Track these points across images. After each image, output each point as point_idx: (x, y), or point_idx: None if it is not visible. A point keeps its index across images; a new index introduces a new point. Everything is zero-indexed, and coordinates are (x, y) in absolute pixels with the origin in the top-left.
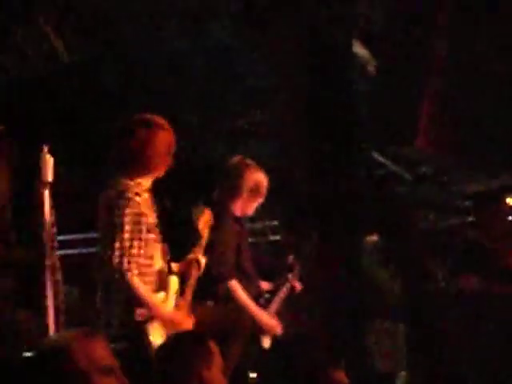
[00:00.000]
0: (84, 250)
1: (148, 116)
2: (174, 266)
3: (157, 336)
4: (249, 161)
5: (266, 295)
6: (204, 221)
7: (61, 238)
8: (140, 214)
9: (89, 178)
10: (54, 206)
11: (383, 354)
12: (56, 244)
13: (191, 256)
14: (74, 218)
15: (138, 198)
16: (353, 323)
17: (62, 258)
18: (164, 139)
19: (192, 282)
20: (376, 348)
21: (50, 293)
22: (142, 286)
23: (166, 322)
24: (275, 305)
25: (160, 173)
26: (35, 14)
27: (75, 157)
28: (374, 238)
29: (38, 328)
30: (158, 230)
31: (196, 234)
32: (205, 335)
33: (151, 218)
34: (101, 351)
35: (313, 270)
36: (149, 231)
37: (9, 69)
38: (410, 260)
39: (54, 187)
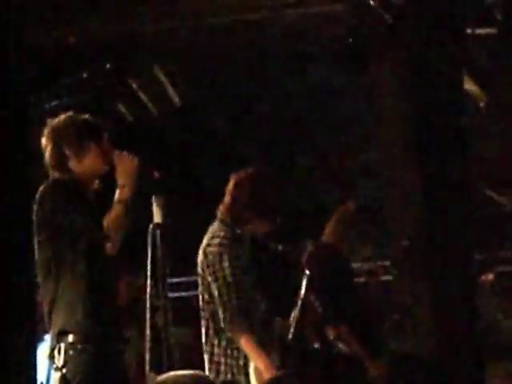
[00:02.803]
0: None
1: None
2: None
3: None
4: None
5: None
6: None
7: (176, 280)
8: (237, 257)
9: (197, 220)
10: (167, 247)
11: None
12: (167, 285)
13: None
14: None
15: (233, 242)
16: (472, 365)
17: (177, 299)
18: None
19: None
20: None
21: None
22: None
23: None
24: None
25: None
26: (150, 62)
27: (185, 201)
28: (490, 277)
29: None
30: (254, 272)
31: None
32: None
33: (246, 261)
34: None
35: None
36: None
37: (124, 115)
38: None
39: (166, 228)
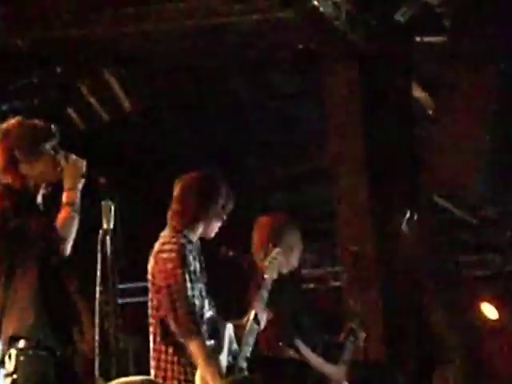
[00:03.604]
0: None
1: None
2: None
3: None
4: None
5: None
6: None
7: (124, 286)
8: (188, 263)
9: (148, 226)
10: (116, 253)
11: None
12: (117, 291)
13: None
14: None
15: (184, 249)
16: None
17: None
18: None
19: None
20: None
21: (97, 338)
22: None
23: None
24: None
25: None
26: (100, 66)
27: (136, 205)
28: None
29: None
30: (203, 278)
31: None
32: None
33: (196, 267)
34: None
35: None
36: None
37: (74, 120)
38: None
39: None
